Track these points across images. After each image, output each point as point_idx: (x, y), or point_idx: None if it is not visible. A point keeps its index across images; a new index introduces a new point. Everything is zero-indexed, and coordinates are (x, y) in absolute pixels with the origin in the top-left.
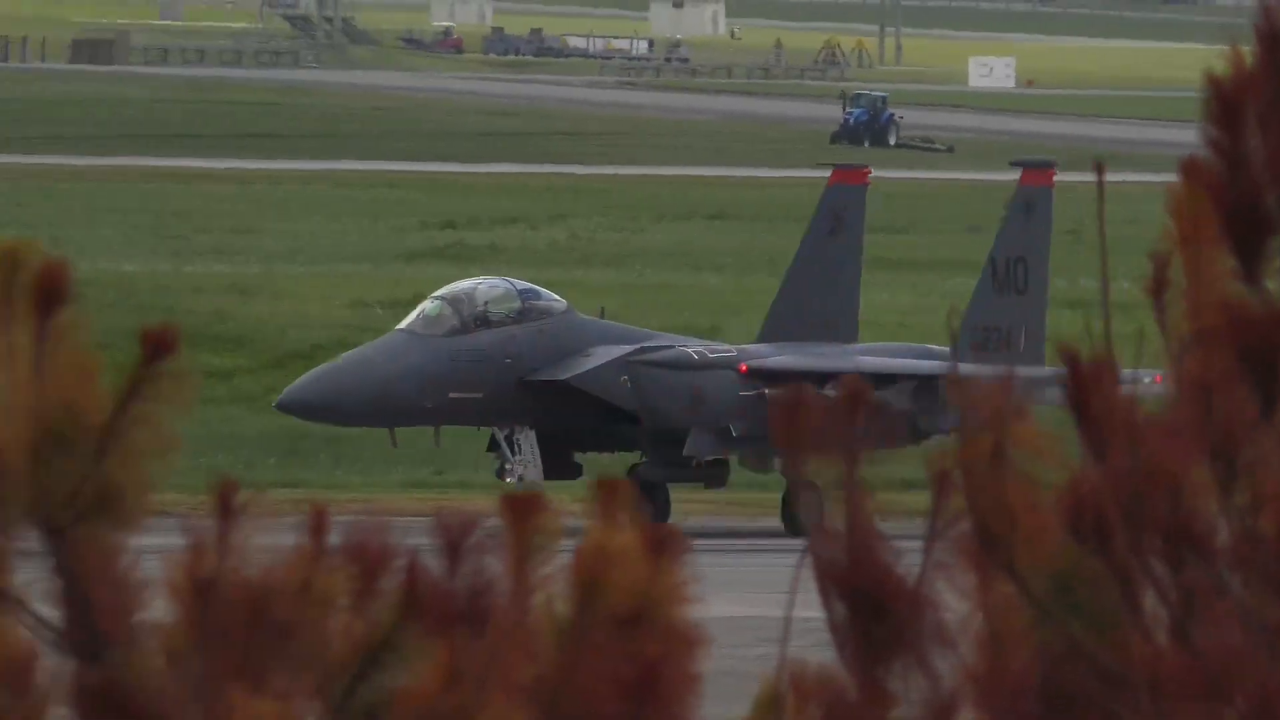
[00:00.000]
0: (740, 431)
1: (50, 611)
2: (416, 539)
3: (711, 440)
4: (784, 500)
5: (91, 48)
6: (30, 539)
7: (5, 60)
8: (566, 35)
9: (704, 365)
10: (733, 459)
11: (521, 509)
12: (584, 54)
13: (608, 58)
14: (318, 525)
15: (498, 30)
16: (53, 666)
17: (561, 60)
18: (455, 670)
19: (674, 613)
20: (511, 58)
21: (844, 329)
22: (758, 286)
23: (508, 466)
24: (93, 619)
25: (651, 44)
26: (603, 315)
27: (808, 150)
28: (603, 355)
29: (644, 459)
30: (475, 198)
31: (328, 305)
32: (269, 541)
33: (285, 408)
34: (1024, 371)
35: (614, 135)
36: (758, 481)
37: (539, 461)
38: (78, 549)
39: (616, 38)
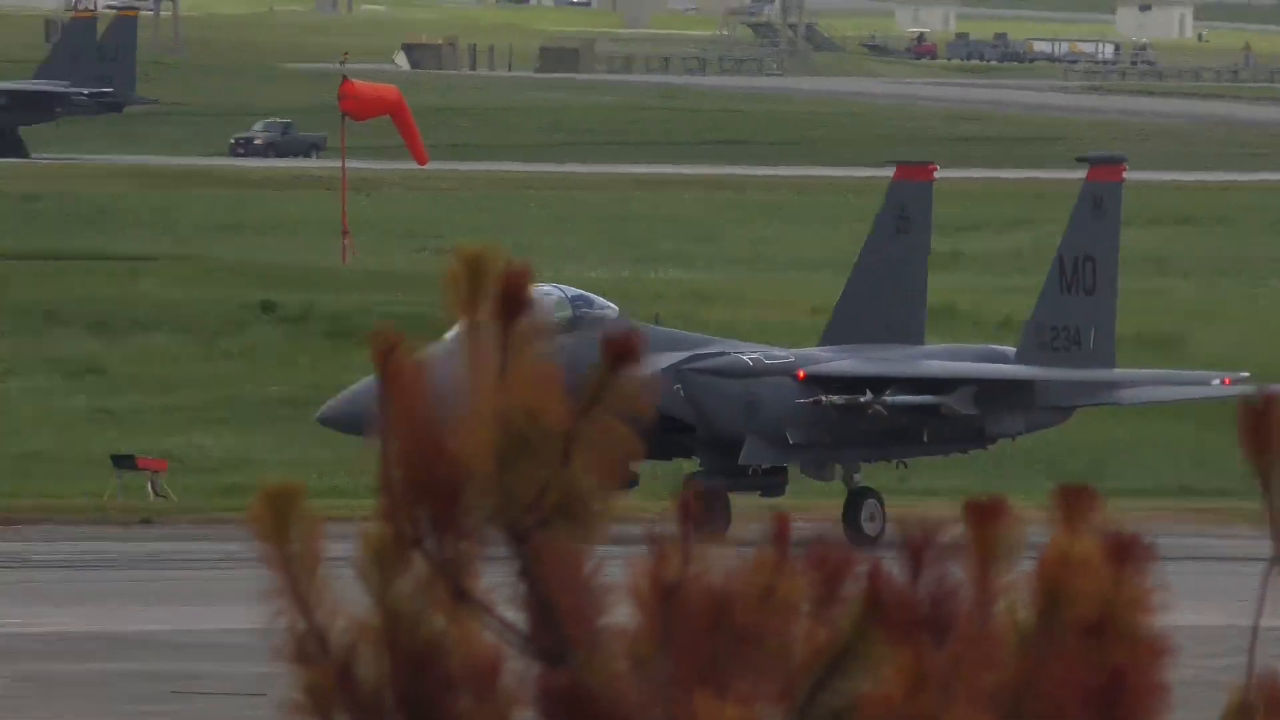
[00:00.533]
0: (798, 439)
1: (515, 615)
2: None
3: (768, 448)
4: (845, 507)
5: (558, 55)
6: (495, 543)
7: (473, 68)
8: (1031, 40)
9: (759, 371)
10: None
11: (985, 515)
12: (1049, 58)
13: (1072, 61)
14: (780, 532)
15: (962, 35)
16: (518, 670)
17: (1026, 64)
18: (919, 677)
19: (1140, 621)
20: (975, 63)
21: (910, 330)
22: (1228, 293)
23: None
24: (557, 623)
25: (1118, 48)
26: (658, 322)
27: (1277, 156)
28: (655, 363)
29: (700, 468)
30: (938, 203)
31: (788, 311)
32: (731, 548)
33: (326, 422)
34: (1093, 373)
35: (1079, 139)
36: (818, 488)
37: None
38: (542, 553)
39: (1081, 41)
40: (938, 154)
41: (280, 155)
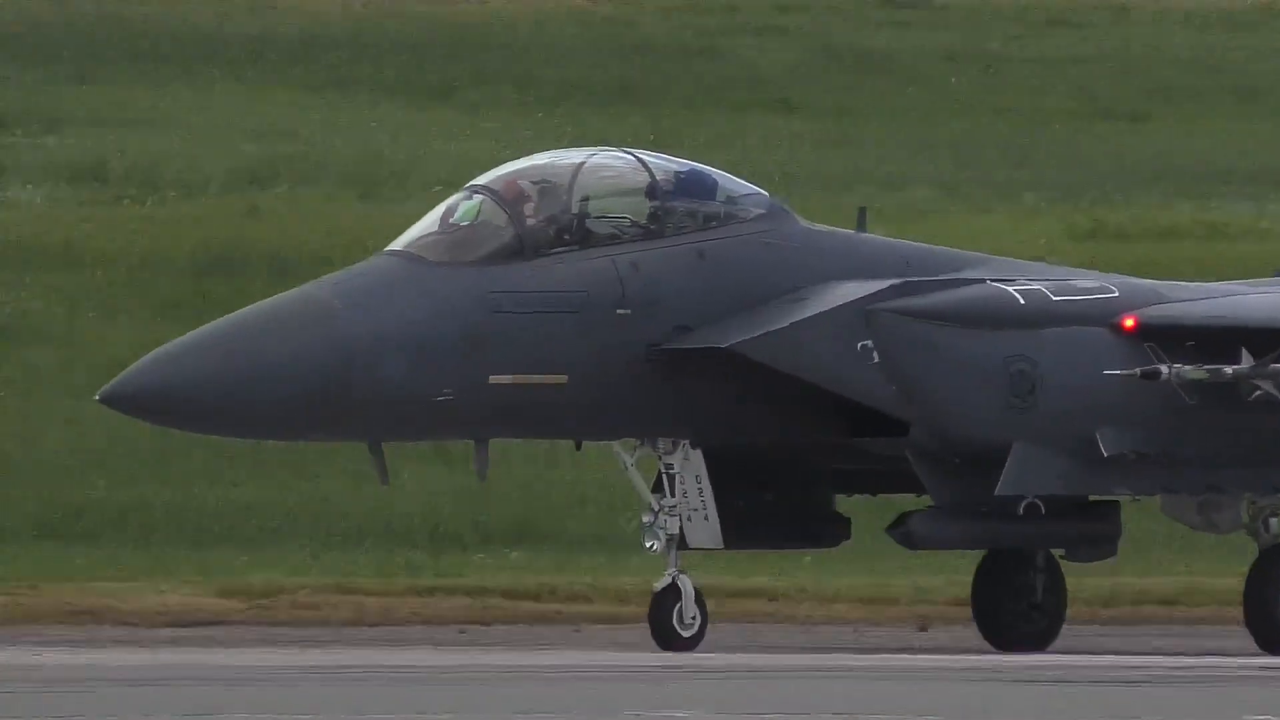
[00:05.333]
0: (1119, 447)
1: None
2: None
3: (1058, 465)
4: (1250, 580)
5: None
6: None
7: None
8: None
9: (1037, 317)
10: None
11: None
12: None
13: None
14: None
15: None
16: None
17: None
18: None
19: None
20: None
21: None
22: None
23: (645, 519)
24: None
25: None
26: (862, 222)
27: None
28: (825, 299)
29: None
30: None
31: None
32: None
33: (110, 401)
34: None
35: None
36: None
37: (712, 508)
38: None
39: None
40: None
41: None
